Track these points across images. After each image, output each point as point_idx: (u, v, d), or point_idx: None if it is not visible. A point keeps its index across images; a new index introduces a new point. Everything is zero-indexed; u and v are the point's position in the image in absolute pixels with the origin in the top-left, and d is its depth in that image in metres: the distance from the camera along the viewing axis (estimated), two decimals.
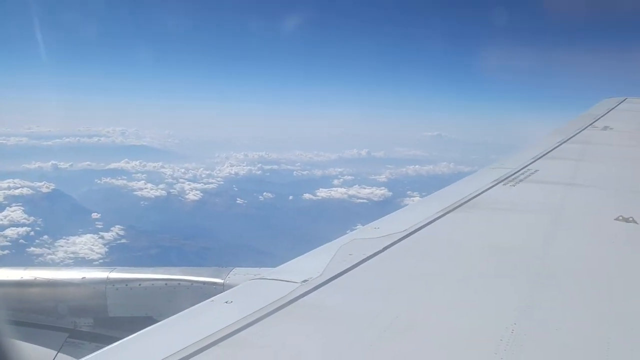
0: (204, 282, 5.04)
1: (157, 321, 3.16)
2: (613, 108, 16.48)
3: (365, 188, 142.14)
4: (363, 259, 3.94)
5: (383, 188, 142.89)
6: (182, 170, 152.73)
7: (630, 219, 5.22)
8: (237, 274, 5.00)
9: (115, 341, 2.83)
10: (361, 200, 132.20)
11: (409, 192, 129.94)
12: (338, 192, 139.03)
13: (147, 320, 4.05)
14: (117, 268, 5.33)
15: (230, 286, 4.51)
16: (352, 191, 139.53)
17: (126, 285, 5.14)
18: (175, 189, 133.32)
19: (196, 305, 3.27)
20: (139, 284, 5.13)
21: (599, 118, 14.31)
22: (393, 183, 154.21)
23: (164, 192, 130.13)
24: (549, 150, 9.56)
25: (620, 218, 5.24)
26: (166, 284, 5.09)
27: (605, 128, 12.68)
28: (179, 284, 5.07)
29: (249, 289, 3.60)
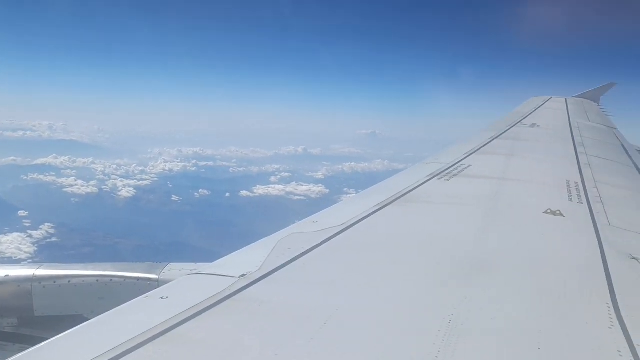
0: (137, 278, 4.90)
1: (88, 319, 3.02)
2: (540, 106, 17.23)
3: (302, 185, 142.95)
4: (301, 253, 3.92)
5: (320, 185, 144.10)
6: (114, 166, 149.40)
7: (558, 212, 5.41)
8: (173, 270, 4.90)
9: (42, 341, 2.69)
10: (299, 197, 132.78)
11: (345, 189, 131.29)
12: (275, 189, 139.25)
13: (77, 319, 3.88)
14: (44, 265, 5.09)
15: (165, 282, 4.43)
16: (290, 188, 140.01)
17: (54, 282, 4.92)
18: (107, 185, 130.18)
19: (129, 302, 3.16)
20: (68, 281, 4.92)
21: (527, 116, 14.90)
22: (330, 180, 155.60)
23: (95, 188, 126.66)
24: (481, 146, 9.83)
25: (549, 211, 5.42)
26: (97, 281, 4.90)
27: (533, 125, 13.18)
28: (111, 280, 4.90)
29: (185, 284, 3.52)
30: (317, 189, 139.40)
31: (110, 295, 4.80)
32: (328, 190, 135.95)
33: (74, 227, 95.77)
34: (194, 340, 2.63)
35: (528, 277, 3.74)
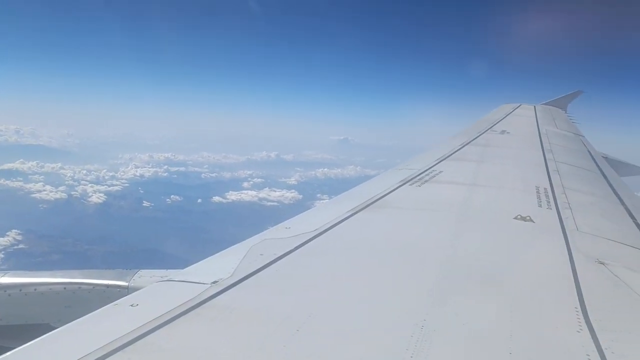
0: (107, 285, 4.80)
1: (55, 328, 2.96)
2: (509, 113, 17.51)
3: (275, 191, 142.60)
4: (274, 259, 3.91)
5: (293, 191, 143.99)
6: (84, 171, 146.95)
7: (528, 218, 5.49)
8: (143, 276, 4.82)
9: (7, 351, 2.63)
10: (272, 203, 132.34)
11: (318, 195, 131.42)
12: (248, 195, 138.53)
13: (43, 328, 3.80)
14: (9, 272, 4.97)
15: (135, 289, 4.36)
16: (263, 194, 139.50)
17: (20, 290, 4.80)
18: (76, 191, 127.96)
19: (98, 310, 3.11)
20: (35, 289, 4.80)
21: (497, 122, 15.11)
22: (303, 186, 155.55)
23: (64, 194, 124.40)
24: (452, 152, 9.94)
25: (519, 217, 5.50)
26: (65, 288, 4.79)
27: (503, 132, 13.36)
28: (79, 287, 4.79)
29: (155, 291, 3.48)
30: (290, 195, 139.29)
31: (78, 303, 4.69)
32: (301, 196, 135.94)
33: (42, 233, 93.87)
34: (164, 348, 2.60)
35: (499, 282, 3.77)
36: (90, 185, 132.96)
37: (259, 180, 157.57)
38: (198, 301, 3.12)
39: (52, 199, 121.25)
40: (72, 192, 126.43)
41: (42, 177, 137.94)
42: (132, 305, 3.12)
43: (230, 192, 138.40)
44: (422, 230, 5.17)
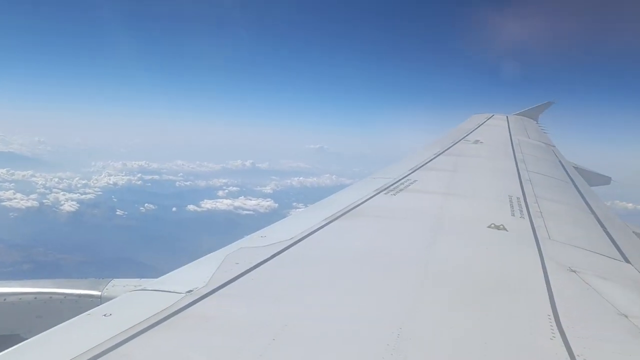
0: (79, 295, 4.70)
1: (26, 339, 2.92)
2: (482, 123, 17.74)
3: (251, 199, 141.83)
4: (250, 268, 3.90)
5: (269, 199, 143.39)
6: (56, 179, 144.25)
7: (501, 227, 5.56)
8: (116, 286, 4.74)
9: None
10: (247, 212, 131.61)
11: (294, 204, 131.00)
12: (223, 204, 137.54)
13: (14, 339, 3.73)
14: None
15: (108, 298, 4.30)
16: (238, 202, 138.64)
17: None
18: (48, 199, 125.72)
19: (70, 320, 3.07)
20: (4, 299, 4.69)
21: (471, 132, 15.30)
22: (279, 194, 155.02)
23: (35, 202, 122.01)
24: (426, 161, 10.03)
25: (493, 225, 5.57)
26: (35, 298, 4.68)
27: (476, 142, 13.53)
28: (51, 297, 4.69)
29: (129, 300, 3.45)
30: (266, 204, 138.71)
31: (50, 313, 4.59)
32: (277, 205, 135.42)
33: (13, 242, 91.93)
34: (138, 359, 2.57)
35: (474, 290, 3.81)
36: (62, 193, 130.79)
37: (235, 188, 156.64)
38: (173, 310, 3.09)
39: (23, 207, 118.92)
40: (44, 201, 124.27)
41: (12, 184, 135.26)
42: (105, 315, 3.09)
43: (205, 200, 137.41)
44: (398, 238, 5.20)
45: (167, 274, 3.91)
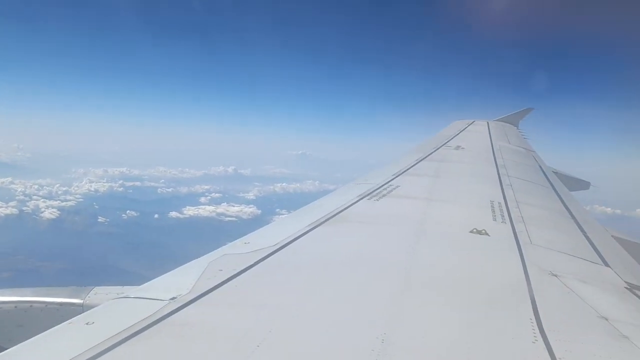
0: (60, 303, 4.65)
1: (6, 349, 2.89)
2: (463, 129, 17.93)
3: (234, 206, 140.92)
4: (233, 275, 3.90)
5: (252, 206, 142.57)
6: (36, 186, 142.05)
7: (483, 231, 5.62)
8: (98, 294, 4.69)
9: None
10: (230, 218, 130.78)
11: (277, 210, 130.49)
12: (206, 210, 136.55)
13: None
14: None
15: (90, 306, 4.25)
16: (221, 209, 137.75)
17: None
18: (28, 206, 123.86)
19: (52, 329, 3.04)
20: None
21: (452, 138, 15.45)
22: (261, 200, 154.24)
23: (15, 210, 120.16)
24: (408, 167, 10.10)
25: (475, 230, 5.62)
26: (16, 307, 4.62)
27: (458, 147, 13.65)
28: (31, 306, 4.62)
29: (112, 308, 3.43)
30: (248, 210, 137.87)
31: (31, 322, 4.54)
32: (260, 211, 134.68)
33: None
34: None
35: (456, 295, 3.84)
36: (42, 200, 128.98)
37: (217, 195, 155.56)
38: (156, 318, 3.08)
39: (2, 214, 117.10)
40: (24, 208, 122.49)
41: None
42: (87, 324, 3.06)
43: (187, 207, 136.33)
44: (382, 244, 5.22)
45: (150, 281, 3.89)
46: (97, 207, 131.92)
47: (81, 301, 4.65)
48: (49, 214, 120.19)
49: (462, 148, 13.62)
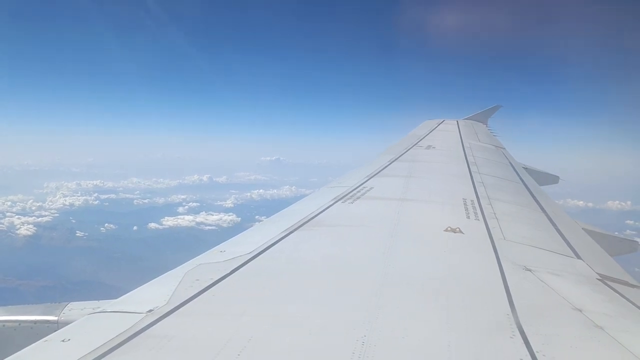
0: (34, 321, 4.49)
1: None
2: (434, 129, 18.11)
3: (212, 214, 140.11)
4: (210, 284, 3.88)
5: (231, 214, 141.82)
6: (8, 203, 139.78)
7: (457, 230, 5.66)
8: (73, 309, 4.53)
9: None
10: (210, 227, 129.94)
11: (257, 217, 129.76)
12: (185, 220, 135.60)
13: None
14: None
15: (66, 323, 4.11)
16: (200, 218, 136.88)
17: None
18: (2, 223, 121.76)
19: (27, 348, 3.00)
20: None
21: (423, 138, 15.58)
22: (240, 208, 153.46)
23: None
24: (381, 168, 10.16)
25: (449, 229, 5.66)
26: None
27: (429, 147, 13.77)
28: (4, 325, 4.47)
29: (88, 324, 3.38)
30: (228, 218, 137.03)
31: (4, 342, 4.39)
32: (239, 219, 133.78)
33: None
34: None
35: (434, 294, 3.86)
36: (17, 216, 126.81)
37: (194, 204, 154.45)
38: (134, 332, 3.05)
39: None
40: None
41: None
42: (63, 341, 3.02)
43: (165, 217, 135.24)
44: (358, 246, 5.23)
45: (126, 294, 3.85)
46: (74, 221, 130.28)
47: (56, 318, 4.50)
48: (25, 230, 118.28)
49: (433, 147, 13.72)
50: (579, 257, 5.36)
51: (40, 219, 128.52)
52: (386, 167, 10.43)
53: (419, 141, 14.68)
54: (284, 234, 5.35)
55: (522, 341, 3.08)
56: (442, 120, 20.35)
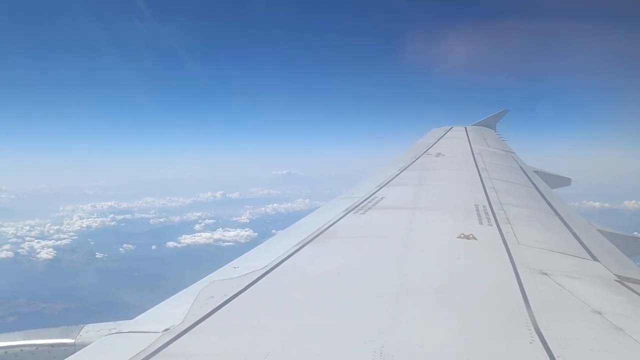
0: (51, 345, 4.55)
1: None
2: (442, 136, 18.01)
3: (229, 230, 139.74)
4: (225, 301, 3.87)
5: (248, 229, 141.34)
6: (27, 227, 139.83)
7: (471, 236, 5.62)
8: (90, 331, 4.58)
9: None
10: (228, 243, 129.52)
11: (273, 231, 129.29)
12: (202, 237, 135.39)
13: None
14: None
15: (82, 345, 4.14)
16: (217, 235, 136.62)
17: None
18: (23, 248, 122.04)
19: None
20: None
21: (432, 146, 15.49)
22: (256, 223, 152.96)
23: (10, 252, 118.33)
24: (392, 178, 10.13)
25: (462, 236, 5.62)
26: (6, 352, 4.52)
27: (438, 155, 13.69)
28: (22, 350, 4.53)
29: (104, 345, 3.38)
30: (245, 233, 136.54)
31: None
32: (256, 234, 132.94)
33: None
34: None
35: (450, 301, 3.84)
36: (36, 241, 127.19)
37: (210, 221, 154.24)
38: (150, 352, 3.04)
39: None
40: (19, 250, 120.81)
41: None
42: None
43: (183, 235, 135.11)
44: (371, 257, 5.21)
45: (142, 314, 3.85)
46: (92, 243, 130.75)
47: (72, 341, 4.55)
48: (45, 254, 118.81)
49: (443, 155, 13.67)
50: (595, 259, 5.31)
51: (59, 242, 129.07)
52: (396, 176, 10.40)
53: (428, 149, 14.61)
54: (296, 248, 5.35)
55: (542, 345, 3.06)
56: (450, 127, 20.26)
